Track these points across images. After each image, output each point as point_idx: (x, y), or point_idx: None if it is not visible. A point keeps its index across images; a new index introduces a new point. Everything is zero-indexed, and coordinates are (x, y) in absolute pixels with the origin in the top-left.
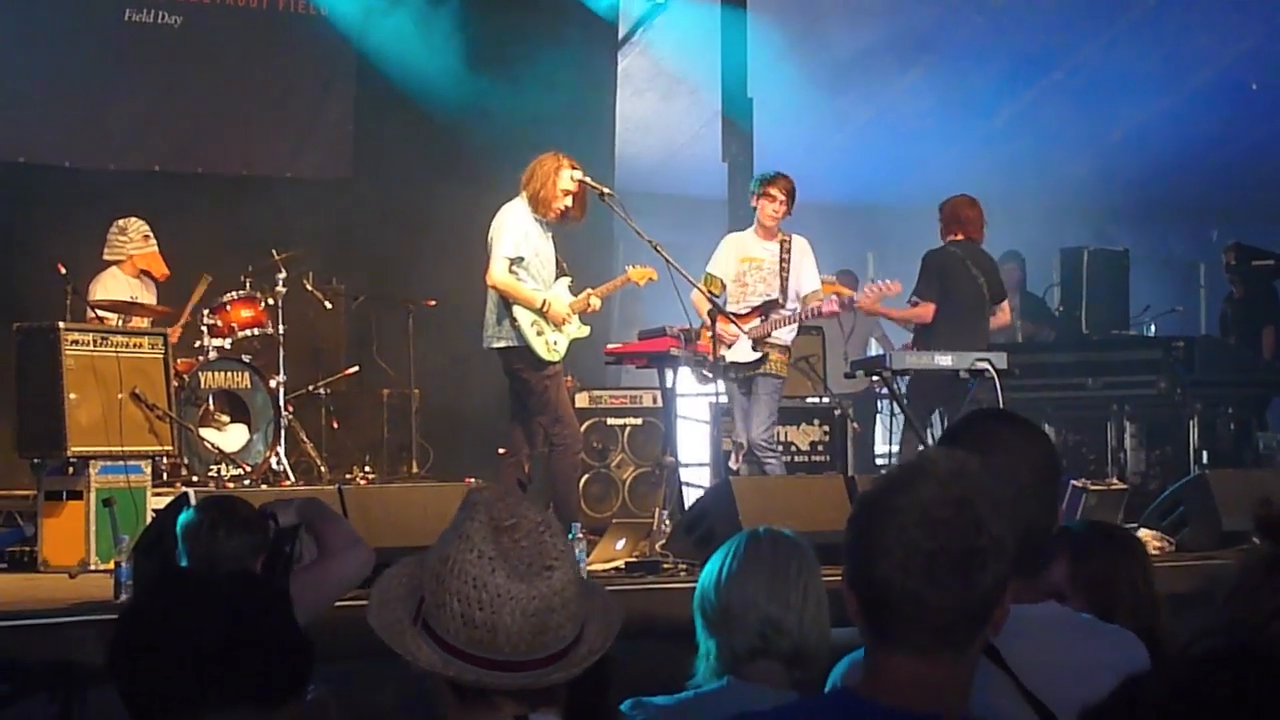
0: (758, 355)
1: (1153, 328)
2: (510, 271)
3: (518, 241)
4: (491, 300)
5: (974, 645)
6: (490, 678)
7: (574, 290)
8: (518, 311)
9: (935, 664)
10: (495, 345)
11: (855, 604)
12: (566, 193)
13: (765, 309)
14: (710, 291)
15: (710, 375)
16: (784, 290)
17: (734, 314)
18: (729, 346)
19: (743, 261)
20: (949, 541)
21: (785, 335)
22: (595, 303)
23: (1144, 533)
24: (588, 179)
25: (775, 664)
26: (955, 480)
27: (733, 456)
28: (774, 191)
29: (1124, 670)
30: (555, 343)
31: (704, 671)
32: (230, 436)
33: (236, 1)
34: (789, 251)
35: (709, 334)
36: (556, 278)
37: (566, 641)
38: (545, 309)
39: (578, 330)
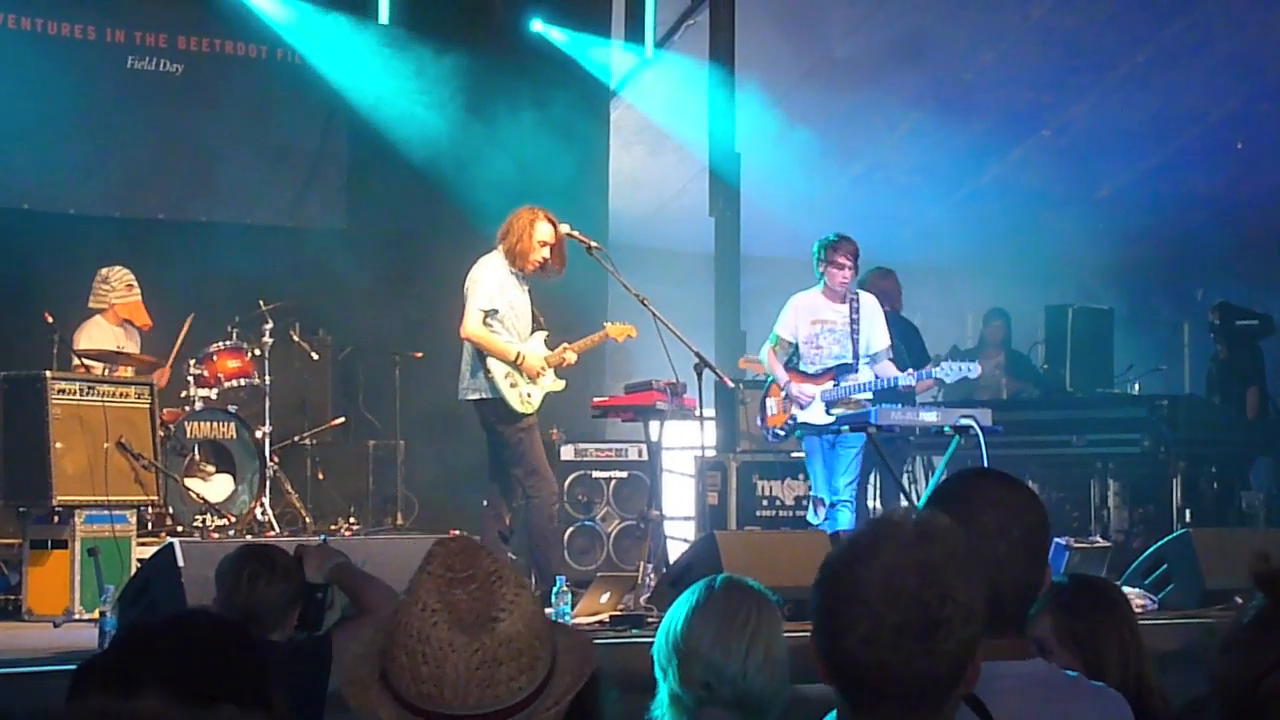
0: (833, 418)
1: (1136, 386)
2: (485, 324)
3: (492, 294)
4: (466, 352)
5: (946, 707)
6: None
7: (550, 344)
8: (492, 364)
9: None
10: (469, 397)
11: (824, 672)
12: (544, 244)
13: (838, 372)
14: (776, 352)
15: (782, 434)
16: (855, 351)
17: (808, 375)
18: (802, 407)
19: (814, 324)
20: (913, 613)
21: (862, 394)
22: (571, 357)
23: (1127, 591)
24: (575, 232)
25: (721, 712)
26: (920, 544)
27: (814, 510)
28: (840, 259)
29: None
30: (529, 395)
31: (660, 717)
32: (215, 487)
33: (235, 51)
34: (857, 311)
35: (779, 398)
36: (532, 331)
37: (522, 694)
38: (520, 361)
39: (553, 384)
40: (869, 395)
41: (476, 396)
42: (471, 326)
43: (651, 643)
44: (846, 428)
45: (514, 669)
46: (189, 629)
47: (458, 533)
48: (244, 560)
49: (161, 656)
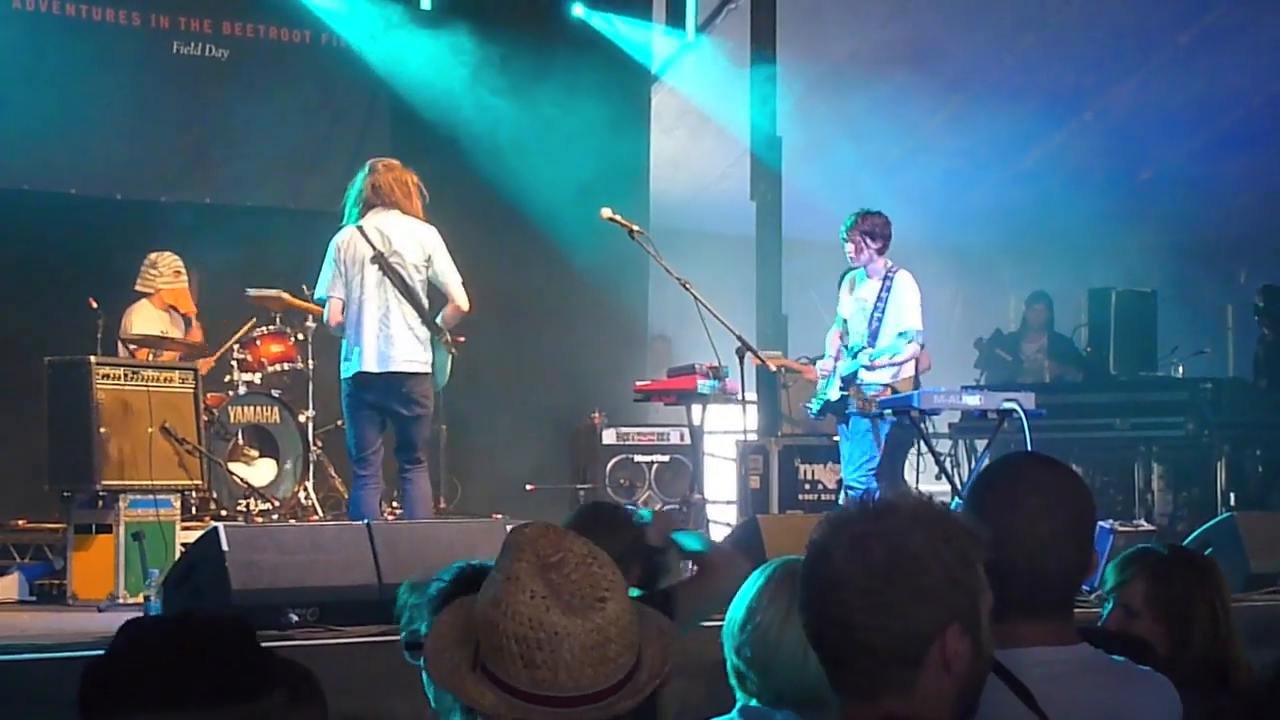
0: (840, 395)
1: (1180, 369)
2: None
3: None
4: (407, 319)
5: (917, 688)
6: (557, 715)
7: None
8: (449, 337)
9: (882, 707)
10: (416, 369)
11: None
12: None
13: (855, 351)
14: (841, 334)
15: (813, 410)
16: (874, 330)
17: (844, 353)
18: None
19: (855, 300)
20: (868, 584)
21: (872, 376)
22: None
23: None
24: (618, 216)
25: (786, 697)
26: (882, 517)
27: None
28: (846, 237)
29: (1156, 714)
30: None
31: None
32: (259, 471)
33: (280, 36)
34: (888, 290)
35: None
36: None
37: (626, 670)
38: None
39: None
40: (883, 376)
41: (423, 369)
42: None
43: (696, 626)
44: (889, 411)
45: (621, 646)
46: (189, 629)
47: (499, 517)
48: (584, 516)
49: (164, 658)
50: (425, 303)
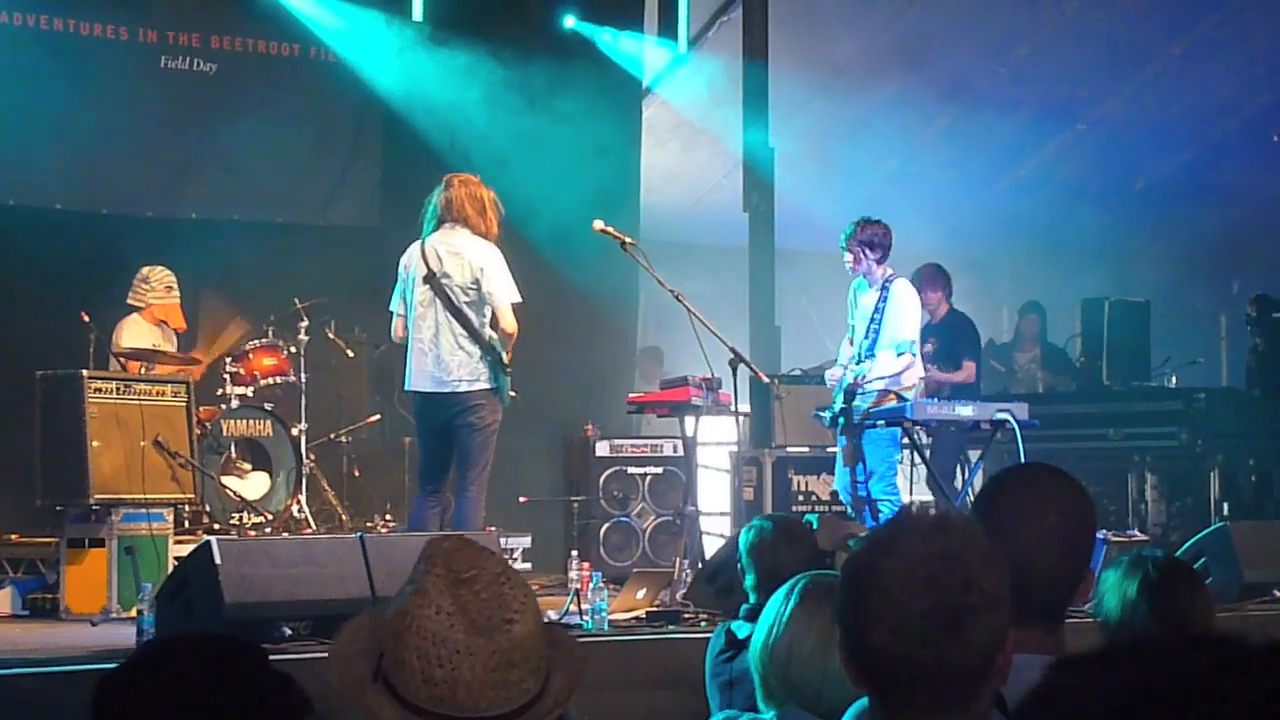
0: (841, 407)
1: (1173, 379)
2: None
3: (515, 285)
4: (477, 342)
5: (979, 700)
6: None
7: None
8: (502, 357)
9: None
10: (474, 387)
11: (853, 673)
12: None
13: (854, 361)
14: (851, 342)
15: (824, 417)
16: (872, 340)
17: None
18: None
19: (859, 309)
20: (938, 600)
21: (869, 386)
22: None
23: None
24: (610, 228)
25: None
26: (940, 534)
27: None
28: (845, 246)
29: None
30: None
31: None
32: (252, 484)
33: (269, 50)
34: (884, 299)
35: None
36: None
37: (530, 695)
38: (509, 355)
39: None
40: (881, 383)
41: (482, 386)
42: (515, 323)
43: (688, 638)
44: (882, 422)
45: (524, 671)
46: (205, 649)
47: (492, 530)
48: (768, 531)
49: (179, 676)
50: (478, 321)
